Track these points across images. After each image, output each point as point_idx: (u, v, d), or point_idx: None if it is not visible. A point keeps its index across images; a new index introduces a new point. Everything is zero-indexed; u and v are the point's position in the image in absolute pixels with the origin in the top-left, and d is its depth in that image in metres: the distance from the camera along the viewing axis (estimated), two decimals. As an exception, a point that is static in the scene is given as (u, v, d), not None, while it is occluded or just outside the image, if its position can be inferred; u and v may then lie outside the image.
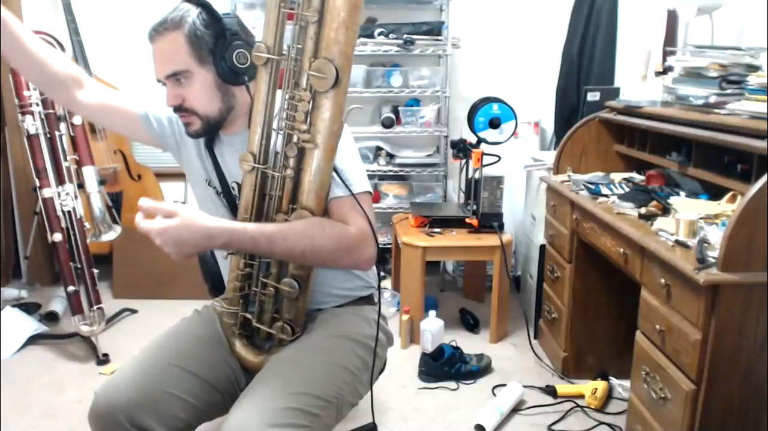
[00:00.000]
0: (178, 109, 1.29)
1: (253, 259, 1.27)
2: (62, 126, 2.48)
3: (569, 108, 2.97)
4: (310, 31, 1.12)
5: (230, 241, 1.14)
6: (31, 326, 2.64)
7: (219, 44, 1.23)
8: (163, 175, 3.31)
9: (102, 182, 2.61)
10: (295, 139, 1.17)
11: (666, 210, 1.74)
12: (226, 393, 1.32)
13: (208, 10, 1.25)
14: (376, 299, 1.53)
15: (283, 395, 1.13)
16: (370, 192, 1.29)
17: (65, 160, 2.46)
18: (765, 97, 1.53)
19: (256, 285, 1.30)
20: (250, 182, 1.23)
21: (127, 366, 1.26)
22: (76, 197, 2.47)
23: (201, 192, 1.44)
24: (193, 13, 1.24)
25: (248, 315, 1.33)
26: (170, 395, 1.22)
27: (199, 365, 1.29)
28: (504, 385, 2.21)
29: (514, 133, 2.68)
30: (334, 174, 1.21)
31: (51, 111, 2.43)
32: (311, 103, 1.15)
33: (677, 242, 1.48)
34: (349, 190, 1.22)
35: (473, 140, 2.67)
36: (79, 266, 2.43)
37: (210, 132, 1.33)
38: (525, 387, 2.17)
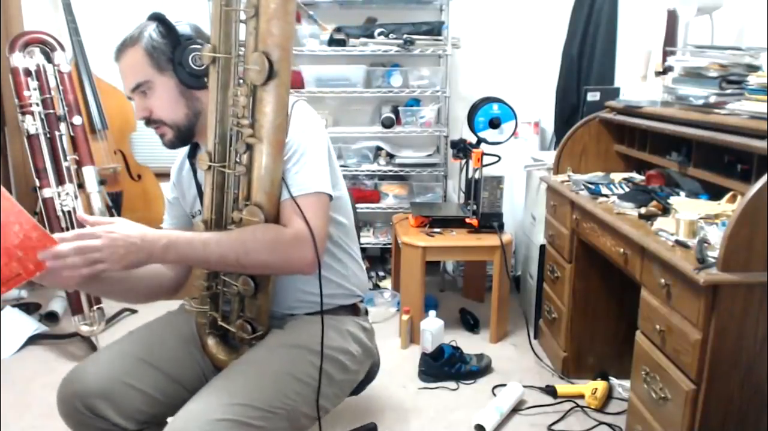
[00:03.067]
0: (148, 121, 1.32)
1: None
2: (62, 126, 2.48)
3: (569, 108, 2.97)
4: (250, 25, 1.12)
5: (168, 244, 1.13)
6: (31, 326, 2.64)
7: (176, 51, 1.27)
8: (163, 175, 3.30)
9: (102, 182, 2.61)
10: (243, 136, 1.17)
11: (666, 210, 1.74)
12: (193, 389, 1.31)
13: (162, 21, 1.30)
14: (361, 310, 1.50)
15: (223, 406, 1.12)
16: (324, 194, 1.24)
17: (65, 160, 2.46)
18: (765, 97, 1.53)
19: (220, 284, 1.30)
20: (209, 181, 1.25)
21: (94, 355, 1.31)
22: (76, 197, 2.47)
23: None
24: (149, 28, 1.29)
25: (215, 314, 1.33)
26: (128, 386, 1.25)
27: (164, 359, 1.31)
28: (504, 385, 2.21)
29: (514, 133, 2.68)
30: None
31: (51, 111, 2.44)
32: (252, 97, 1.14)
33: (677, 242, 1.48)
34: (289, 192, 1.19)
35: (473, 140, 2.67)
36: (79, 266, 2.43)
37: (184, 140, 1.36)
38: (525, 387, 2.18)
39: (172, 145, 1.35)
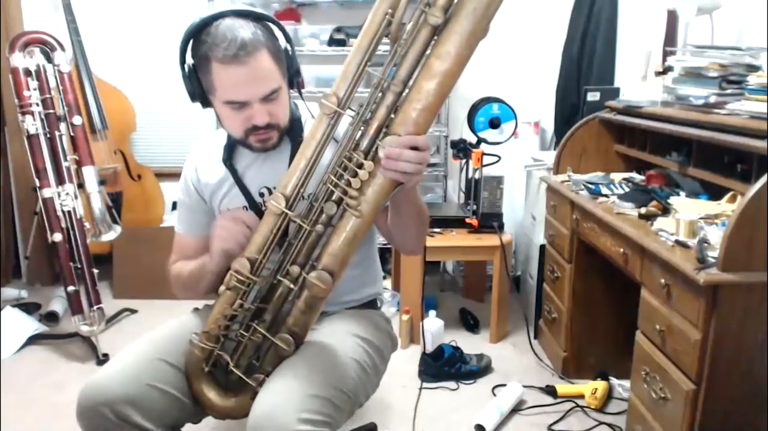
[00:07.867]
0: (266, 127, 1.23)
1: (244, 301, 1.19)
2: (62, 126, 2.48)
3: (569, 108, 2.97)
4: (388, 98, 1.11)
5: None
6: (31, 326, 2.64)
7: (291, 56, 1.26)
8: (163, 175, 3.30)
9: (102, 182, 2.60)
10: (335, 197, 1.11)
11: (666, 210, 1.74)
12: None
13: (273, 21, 1.25)
14: (379, 305, 1.54)
15: (313, 383, 1.13)
16: None
17: (65, 160, 2.45)
18: (765, 97, 1.53)
19: (241, 327, 1.21)
20: (271, 223, 1.15)
21: (113, 361, 1.26)
22: (76, 197, 2.47)
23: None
24: (260, 30, 1.20)
25: (225, 356, 1.22)
26: (154, 388, 1.21)
27: (183, 358, 1.28)
28: (504, 385, 2.21)
29: (514, 133, 2.68)
30: None
31: (51, 111, 2.43)
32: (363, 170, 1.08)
33: (677, 242, 1.48)
34: None
35: (473, 140, 2.67)
36: (79, 266, 2.43)
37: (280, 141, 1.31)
38: (525, 387, 2.18)
39: (273, 147, 1.29)
